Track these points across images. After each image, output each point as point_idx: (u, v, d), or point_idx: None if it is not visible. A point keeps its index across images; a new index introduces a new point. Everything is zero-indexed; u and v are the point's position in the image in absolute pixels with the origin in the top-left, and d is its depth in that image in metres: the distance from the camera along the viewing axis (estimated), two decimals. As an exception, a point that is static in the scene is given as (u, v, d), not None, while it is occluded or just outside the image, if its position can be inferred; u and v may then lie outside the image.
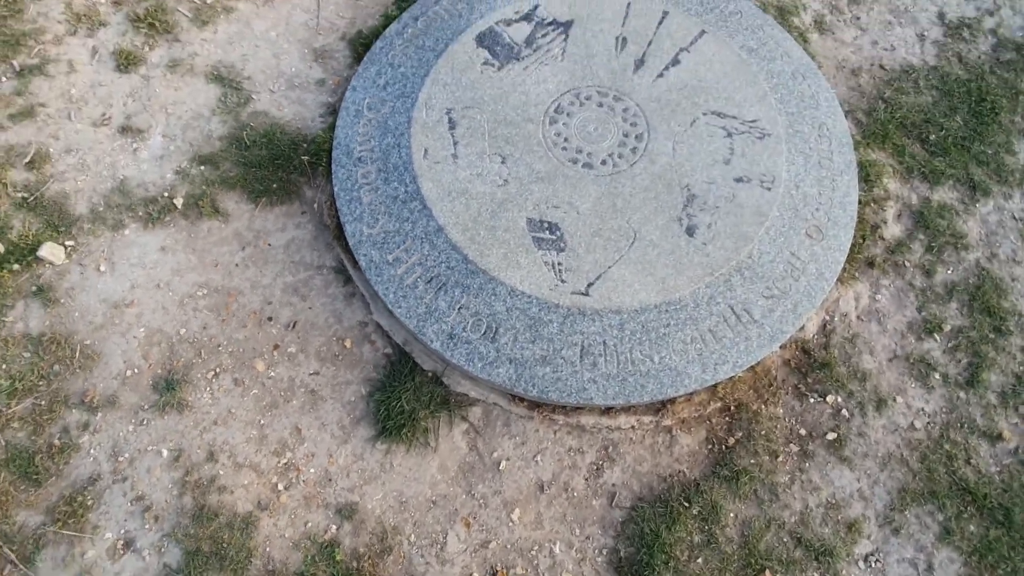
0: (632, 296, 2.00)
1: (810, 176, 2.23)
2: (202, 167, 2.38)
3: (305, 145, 2.40)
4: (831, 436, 2.07)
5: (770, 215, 2.12)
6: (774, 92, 2.34)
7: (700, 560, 1.93)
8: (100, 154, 2.38)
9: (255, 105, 2.49)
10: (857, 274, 2.27)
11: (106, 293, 2.20)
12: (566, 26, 2.42)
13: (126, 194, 2.33)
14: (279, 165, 2.37)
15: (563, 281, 2.02)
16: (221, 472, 1.99)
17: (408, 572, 1.91)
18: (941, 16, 2.72)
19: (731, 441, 2.08)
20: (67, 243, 2.24)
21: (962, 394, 2.14)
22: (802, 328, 2.19)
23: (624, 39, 2.40)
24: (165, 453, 2.01)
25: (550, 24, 2.43)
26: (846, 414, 2.10)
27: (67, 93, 2.45)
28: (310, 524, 1.95)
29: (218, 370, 2.12)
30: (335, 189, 2.22)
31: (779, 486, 2.02)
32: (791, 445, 2.07)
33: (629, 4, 2.47)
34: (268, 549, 1.91)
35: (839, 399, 2.12)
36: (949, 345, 2.20)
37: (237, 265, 2.28)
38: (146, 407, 2.06)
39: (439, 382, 2.12)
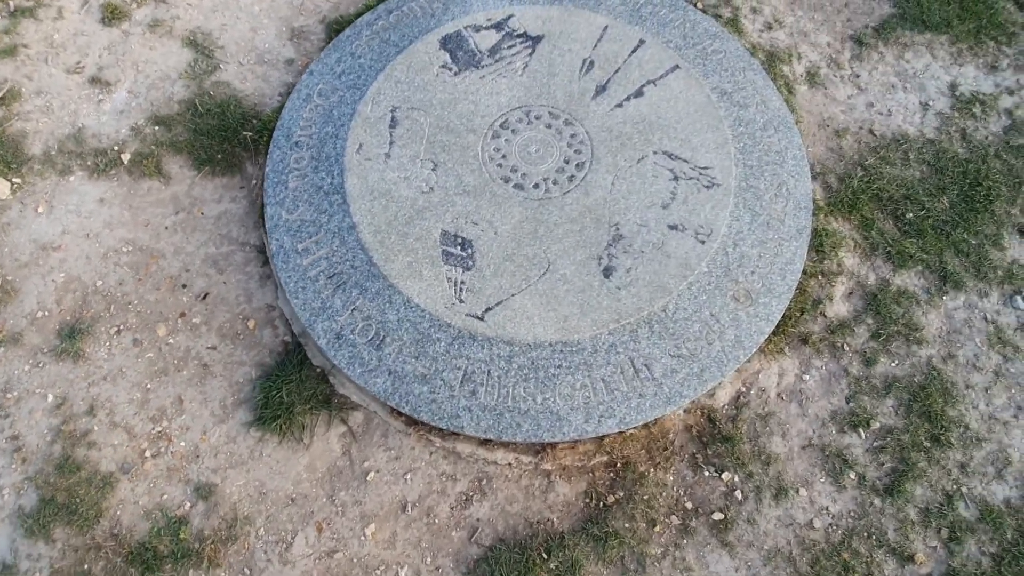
0: (529, 329, 1.90)
1: (753, 236, 2.06)
2: (156, 127, 2.41)
3: (255, 121, 2.40)
4: (717, 516, 1.91)
5: (697, 270, 1.97)
6: (736, 141, 2.18)
7: (544, 618, 1.82)
8: (66, 100, 2.44)
9: (221, 75, 2.50)
10: (787, 349, 2.09)
11: (38, 234, 2.25)
12: (535, 40, 2.33)
13: (80, 142, 2.38)
14: (226, 137, 2.37)
15: (461, 301, 1.93)
16: (96, 428, 2.00)
17: (248, 565, 1.87)
18: (953, 87, 2.48)
19: (610, 499, 1.94)
20: (14, 180, 2.31)
21: (877, 501, 1.93)
22: (712, 395, 2.03)
23: (591, 63, 2.29)
24: (50, 398, 2.04)
25: (519, 36, 2.34)
26: (739, 496, 1.93)
27: (50, 38, 2.52)
28: (166, 497, 1.94)
29: (121, 328, 2.14)
30: (267, 170, 2.20)
31: (649, 558, 1.87)
32: (673, 517, 1.92)
33: (606, 28, 2.35)
34: (119, 513, 1.91)
35: (736, 478, 1.95)
36: (874, 444, 1.99)
37: (167, 228, 2.29)
38: (45, 350, 2.10)
39: (325, 380, 2.07)
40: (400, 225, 2.03)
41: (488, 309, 1.92)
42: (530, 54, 2.31)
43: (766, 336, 1.97)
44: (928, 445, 1.98)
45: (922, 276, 2.19)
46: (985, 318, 2.14)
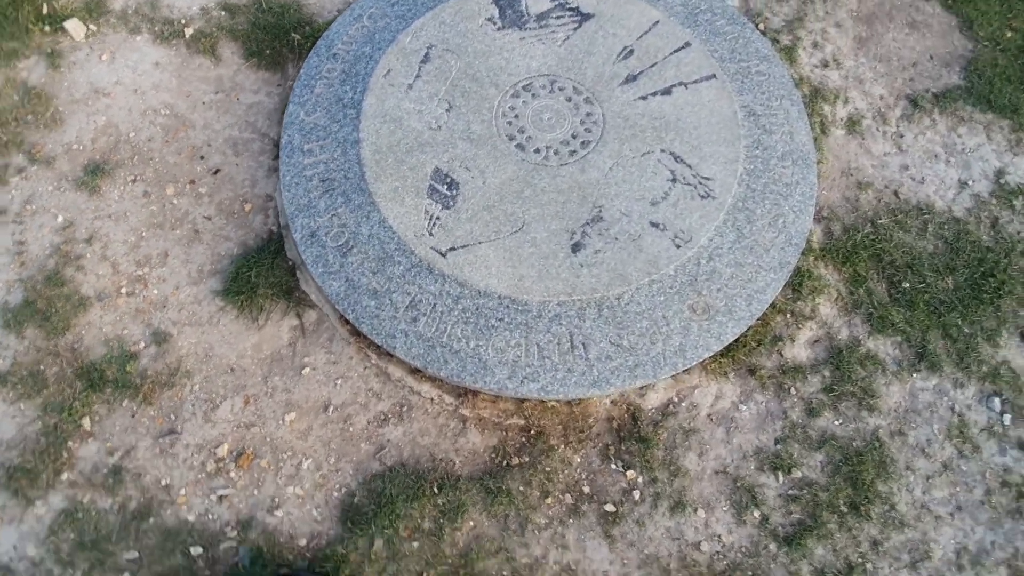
0: (484, 277, 1.95)
1: (732, 256, 2.03)
2: (222, 12, 2.59)
3: (307, 28, 2.53)
4: (610, 508, 1.91)
5: (663, 271, 1.97)
6: (748, 162, 2.14)
7: (416, 544, 1.88)
8: (156, -31, 2.65)
9: (294, -21, 2.65)
10: (732, 375, 2.05)
11: (95, 79, 2.47)
12: (584, 17, 2.35)
13: (155, 8, 2.58)
14: (277, 36, 2.52)
15: (431, 234, 2.00)
16: (88, 255, 2.20)
17: (175, 412, 2.02)
18: (1000, 173, 2.34)
19: (515, 461, 1.98)
20: (91, 26, 2.53)
21: (774, 547, 1.88)
22: (643, 395, 2.03)
23: (631, 51, 2.30)
24: (60, 219, 2.24)
25: (570, 10, 2.37)
26: (637, 496, 1.92)
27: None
28: (126, 332, 2.11)
29: (137, 178, 2.33)
30: (301, 72, 2.33)
31: (531, 524, 1.90)
32: (567, 495, 1.94)
33: (657, 22, 2.34)
34: (83, 332, 2.09)
35: (640, 479, 1.94)
36: (789, 492, 1.94)
37: (204, 103, 2.47)
38: (69, 179, 2.31)
39: (292, 274, 2.19)
40: (400, 152, 2.11)
41: (452, 249, 1.99)
42: (575, 28, 2.33)
43: (711, 354, 1.95)
44: (845, 510, 1.91)
45: (898, 347, 2.09)
46: (952, 408, 2.03)
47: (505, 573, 1.85)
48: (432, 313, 1.95)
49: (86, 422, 1.98)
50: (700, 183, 2.09)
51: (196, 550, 1.86)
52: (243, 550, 1.87)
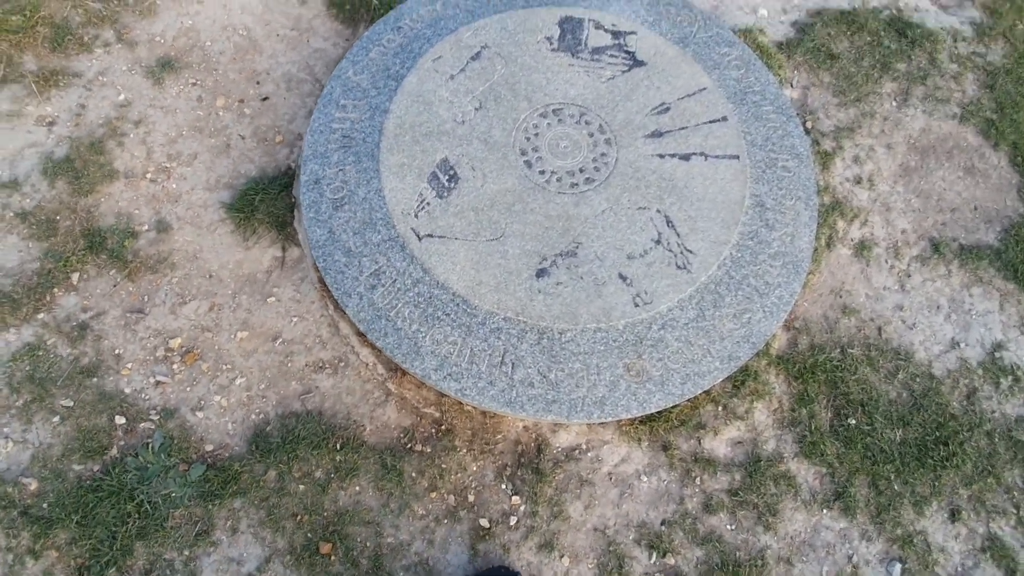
0: (447, 271, 2.01)
1: (686, 332, 2.00)
2: (323, -40, 2.73)
3: (388, -3, 2.65)
4: (484, 523, 1.95)
5: (612, 327, 1.97)
6: (737, 249, 2.10)
7: (302, 487, 1.97)
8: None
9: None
10: (645, 444, 2.03)
11: (196, -15, 2.66)
12: (636, 63, 2.36)
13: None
14: (360, -4, 2.64)
15: (415, 216, 2.07)
16: (132, 136, 2.39)
17: (148, 295, 2.18)
18: (998, 346, 2.19)
19: (418, 447, 2.04)
20: (209, -61, 2.73)
21: (623, 617, 1.87)
22: (555, 431, 2.04)
23: (667, 108, 2.28)
24: (120, 97, 2.44)
25: (627, 53, 2.37)
26: (513, 522, 1.95)
27: None
28: (137, 212, 2.29)
29: (198, 83, 2.51)
30: (364, 34, 2.44)
31: (409, 511, 1.96)
32: (451, 497, 1.98)
33: (704, 89, 2.32)
34: (102, 200, 2.28)
35: (522, 508, 1.96)
36: (656, 572, 1.91)
37: (278, 35, 2.62)
38: (142, 65, 2.51)
39: (291, 211, 2.31)
40: (419, 133, 2.19)
41: (429, 235, 2.05)
42: (623, 71, 2.34)
43: (630, 416, 1.94)
44: (703, 612, 1.87)
45: (819, 479, 2.02)
46: (850, 557, 1.95)
47: (368, 544, 1.92)
48: (390, 287, 2.02)
49: (75, 277, 2.17)
50: (682, 253, 2.07)
51: (120, 419, 2.02)
52: (158, 434, 2.01)
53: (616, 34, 2.40)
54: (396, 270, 2.03)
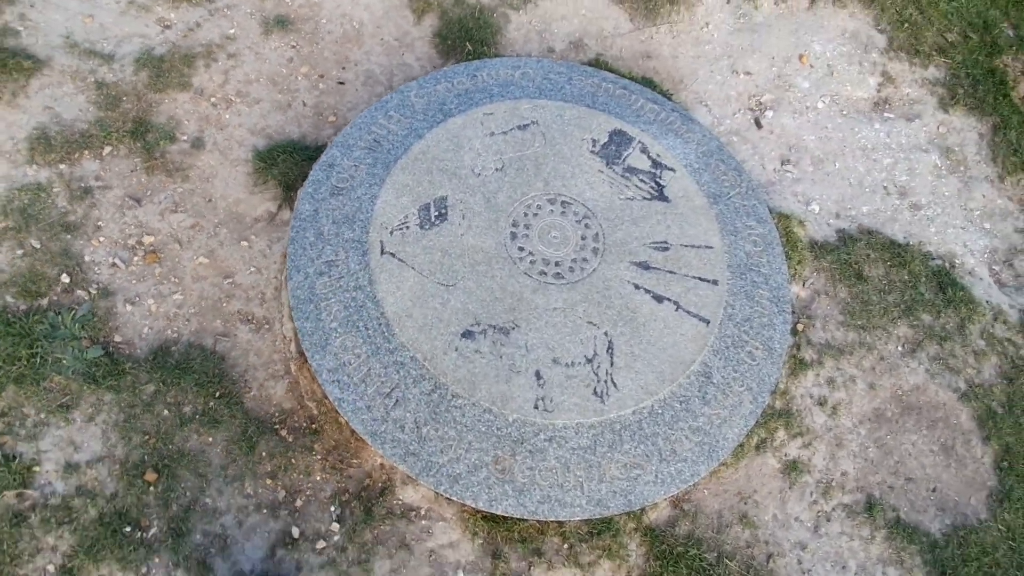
0: (386, 291, 2.06)
1: (569, 457, 1.93)
2: (451, -2, 3.01)
3: (480, 43, 2.86)
4: (295, 531, 1.90)
5: (503, 415, 1.93)
6: (662, 407, 2.03)
7: (166, 413, 2.02)
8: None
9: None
10: (479, 540, 1.93)
11: (341, -26, 3.00)
12: (661, 198, 2.39)
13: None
14: (462, 34, 2.87)
15: (391, 233, 2.17)
16: (219, 64, 2.67)
17: (152, 192, 2.38)
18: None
19: (282, 433, 2.05)
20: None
21: None
22: (405, 483, 1.99)
23: (666, 248, 2.29)
24: (230, 32, 2.75)
25: (657, 185, 2.42)
26: (321, 545, 1.89)
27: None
28: (186, 123, 2.53)
29: (297, 47, 2.79)
30: (440, 70, 2.64)
31: (239, 486, 1.95)
32: (283, 492, 1.97)
33: (710, 248, 2.31)
34: (166, 101, 2.55)
35: (337, 538, 1.91)
36: (421, 674, 1.78)
37: (381, 40, 2.89)
38: (263, 14, 2.83)
39: (302, 180, 2.48)
40: (435, 166, 2.31)
41: (392, 254, 2.13)
42: (644, 199, 2.38)
43: (471, 506, 1.87)
44: None
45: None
46: None
47: (188, 494, 1.92)
48: (335, 280, 2.10)
49: (107, 150, 2.42)
50: (606, 382, 2.02)
51: (65, 278, 2.18)
52: (87, 306, 2.15)
53: (656, 164, 2.46)
54: (347, 269, 2.11)
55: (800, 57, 3.16)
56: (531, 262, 2.19)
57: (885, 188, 2.86)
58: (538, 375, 2.00)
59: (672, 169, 2.46)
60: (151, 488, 1.91)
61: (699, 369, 2.10)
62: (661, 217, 2.34)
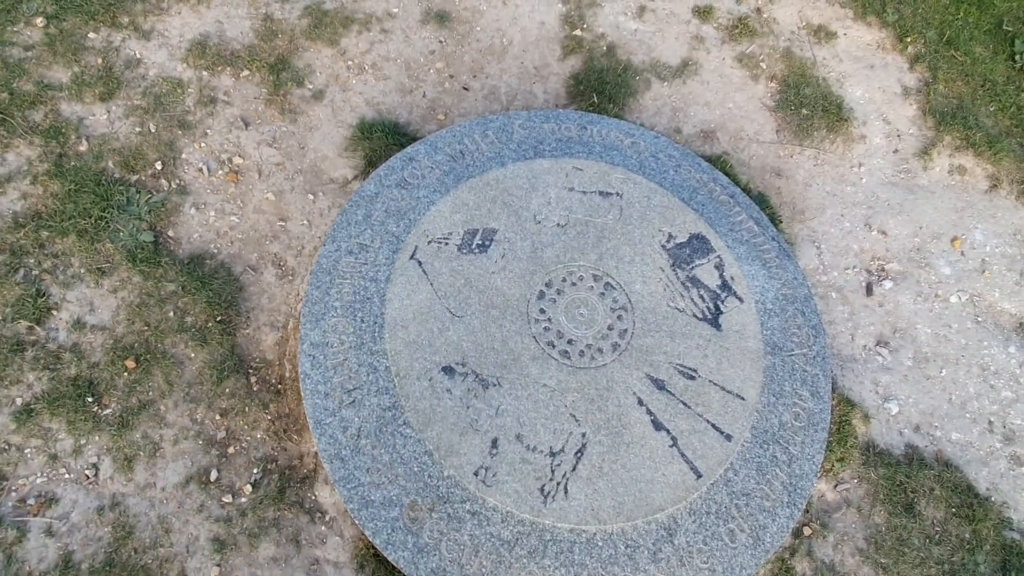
0: (396, 293, 2.03)
1: (480, 534, 1.76)
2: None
3: (610, 101, 2.75)
4: (212, 476, 1.92)
5: (438, 466, 1.81)
6: (613, 537, 1.79)
7: (172, 314, 2.14)
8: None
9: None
10: (368, 568, 1.82)
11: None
12: (712, 322, 2.14)
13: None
14: (593, 84, 2.79)
15: (429, 243, 2.13)
16: (371, 30, 2.82)
17: (269, 122, 2.55)
18: None
19: (252, 379, 2.09)
20: (555, -24, 3.11)
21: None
22: (327, 485, 1.93)
23: (693, 377, 2.04)
24: (394, 9, 2.90)
25: (714, 308, 2.17)
26: (228, 499, 1.89)
27: None
28: (315, 75, 2.69)
29: (444, 42, 2.87)
30: (552, 112, 2.58)
31: (193, 407, 2.01)
32: (223, 433, 1.99)
33: (742, 399, 2.03)
34: (311, 49, 2.73)
35: (244, 500, 1.90)
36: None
37: (523, 64, 2.89)
38: (427, 5, 2.95)
39: (384, 159, 2.53)
40: (500, 197, 2.24)
41: (420, 264, 2.09)
42: (694, 316, 2.15)
43: (368, 537, 1.76)
44: None
45: None
46: None
47: (152, 394, 2.01)
48: (357, 262, 2.10)
49: (245, 72, 2.63)
50: (560, 487, 1.83)
51: (159, 164, 2.39)
52: (162, 196, 2.34)
53: (725, 286, 2.21)
54: (375, 258, 2.11)
55: (953, 240, 2.71)
56: (545, 328, 2.05)
57: (990, 423, 2.35)
58: (494, 443, 1.86)
59: (740, 299, 2.19)
60: (126, 374, 2.02)
61: (665, 521, 1.84)
62: (704, 343, 2.09)
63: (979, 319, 2.56)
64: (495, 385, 1.93)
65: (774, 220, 2.59)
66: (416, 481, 1.81)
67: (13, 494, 1.82)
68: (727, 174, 2.63)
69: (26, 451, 1.87)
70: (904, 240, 2.70)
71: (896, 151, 2.91)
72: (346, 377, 1.93)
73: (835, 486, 2.11)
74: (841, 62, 3.07)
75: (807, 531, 2.02)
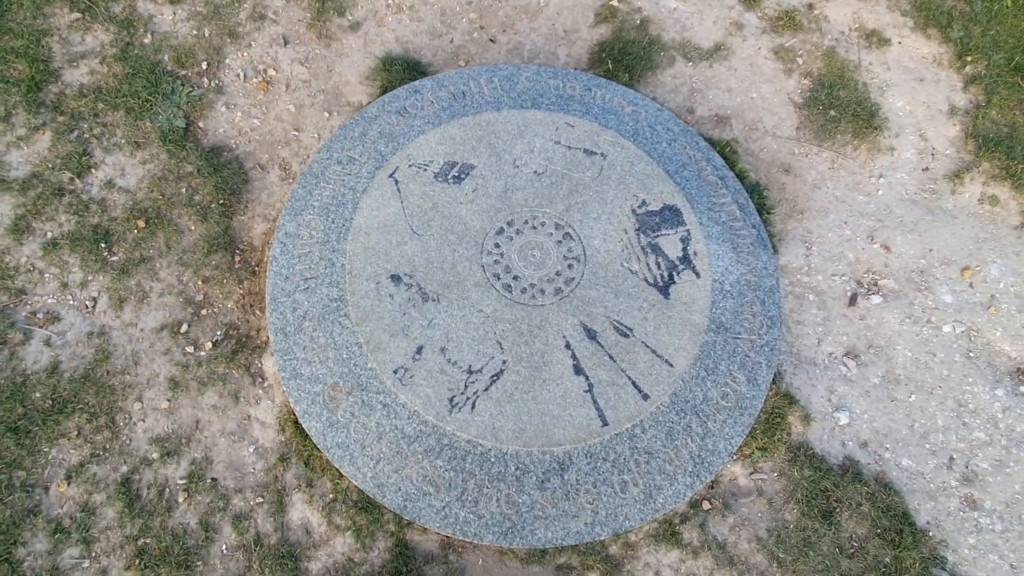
0: (368, 206, 2.20)
1: (392, 425, 1.91)
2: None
3: (634, 66, 2.77)
4: (184, 329, 2.19)
5: (372, 350, 1.97)
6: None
7: (184, 189, 2.43)
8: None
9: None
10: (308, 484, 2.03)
11: None
12: (663, 291, 2.16)
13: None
14: (624, 56, 2.82)
15: (408, 167, 2.28)
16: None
17: (306, 43, 2.80)
18: None
19: (237, 264, 2.34)
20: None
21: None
22: (273, 367, 2.15)
23: (627, 335, 2.08)
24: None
25: (667, 278, 2.18)
26: (190, 351, 2.16)
27: None
28: (348, 14, 2.90)
29: (473, 7, 3.00)
30: (572, 72, 2.64)
31: (189, 272, 2.29)
32: (207, 312, 2.26)
33: (670, 366, 2.04)
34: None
35: (202, 354, 2.15)
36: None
37: (554, 26, 2.96)
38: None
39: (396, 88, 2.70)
40: (486, 139, 2.35)
41: (396, 182, 2.25)
42: (646, 282, 2.17)
43: (313, 436, 1.95)
44: None
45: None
46: None
47: (154, 252, 2.31)
48: (343, 173, 2.29)
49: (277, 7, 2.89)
50: (468, 401, 1.94)
51: (205, 64, 2.69)
52: (201, 92, 2.64)
53: (686, 259, 2.21)
54: (358, 171, 2.29)
55: (964, 269, 2.54)
56: (495, 261, 2.15)
57: (951, 459, 2.22)
58: (419, 350, 1.99)
59: (697, 274, 2.19)
60: (136, 231, 2.33)
61: (560, 456, 1.91)
62: (647, 307, 2.12)
63: (971, 354, 2.40)
64: (434, 300, 2.06)
65: (764, 210, 2.53)
66: (343, 366, 1.98)
67: (27, 306, 2.16)
68: (731, 162, 2.60)
69: (45, 275, 2.22)
70: (908, 259, 2.55)
71: (926, 169, 2.74)
72: (307, 267, 2.13)
73: (751, 473, 2.08)
74: (888, 70, 2.91)
75: (706, 505, 2.01)
